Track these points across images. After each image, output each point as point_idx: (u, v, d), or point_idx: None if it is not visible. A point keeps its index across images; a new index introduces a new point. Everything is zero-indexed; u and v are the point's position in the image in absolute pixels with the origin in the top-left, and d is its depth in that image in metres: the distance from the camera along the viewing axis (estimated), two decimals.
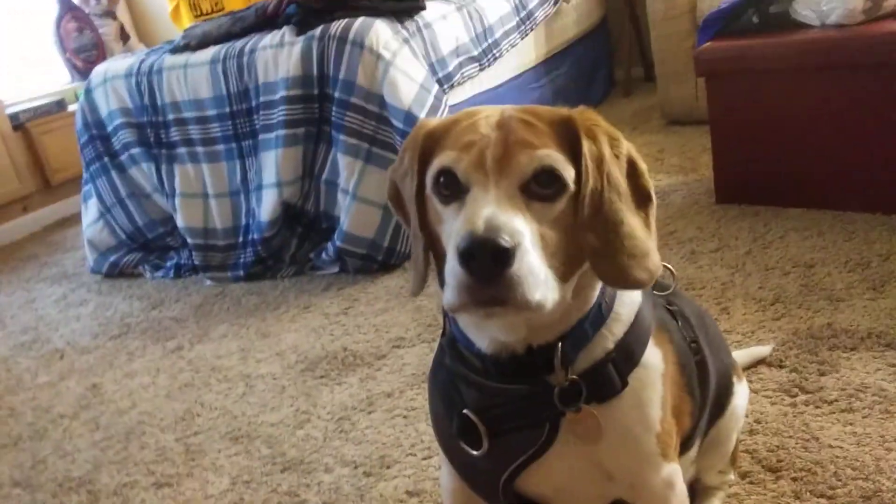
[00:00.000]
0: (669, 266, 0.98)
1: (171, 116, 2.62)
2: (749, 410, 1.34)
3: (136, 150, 2.74)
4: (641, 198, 0.79)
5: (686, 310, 1.00)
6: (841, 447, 1.26)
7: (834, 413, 1.35)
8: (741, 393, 1.12)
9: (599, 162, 0.76)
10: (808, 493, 1.17)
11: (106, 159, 2.82)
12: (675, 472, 0.88)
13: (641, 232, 0.77)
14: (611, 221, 0.75)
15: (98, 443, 1.73)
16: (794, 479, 1.21)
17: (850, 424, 1.31)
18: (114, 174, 2.82)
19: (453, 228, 0.72)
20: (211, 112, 2.55)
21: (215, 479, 1.52)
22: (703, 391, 0.97)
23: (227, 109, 2.52)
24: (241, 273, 2.56)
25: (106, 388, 2.00)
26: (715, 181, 2.34)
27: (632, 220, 0.77)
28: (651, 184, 0.81)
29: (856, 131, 2.05)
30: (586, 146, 0.75)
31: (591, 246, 0.75)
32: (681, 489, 0.89)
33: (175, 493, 1.50)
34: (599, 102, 3.89)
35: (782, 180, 2.21)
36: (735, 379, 1.11)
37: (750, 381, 1.39)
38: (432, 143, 0.80)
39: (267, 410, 1.73)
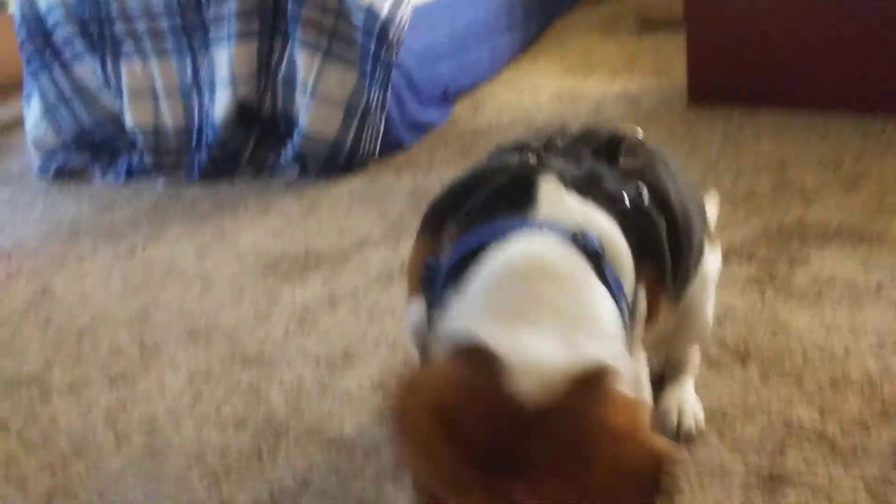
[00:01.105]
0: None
1: (113, 5, 2.44)
2: (718, 303, 1.32)
3: (79, 48, 2.56)
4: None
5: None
6: (810, 336, 1.25)
7: (803, 305, 1.34)
8: (711, 259, 1.07)
9: None
10: (775, 377, 1.17)
11: (48, 55, 2.63)
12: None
13: None
14: None
15: (49, 342, 1.66)
16: (762, 365, 1.20)
17: (820, 315, 1.30)
18: (57, 72, 2.64)
19: None
20: (156, 2, 2.38)
21: (172, 375, 1.47)
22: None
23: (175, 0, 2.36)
24: (196, 175, 2.45)
25: (56, 289, 1.92)
26: (688, 82, 2.28)
27: None
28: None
29: (831, 28, 2.01)
30: None
31: None
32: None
33: (131, 389, 1.45)
34: (568, 9, 3.75)
35: (756, 79, 2.17)
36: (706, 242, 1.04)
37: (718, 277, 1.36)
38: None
39: (225, 308, 1.68)
